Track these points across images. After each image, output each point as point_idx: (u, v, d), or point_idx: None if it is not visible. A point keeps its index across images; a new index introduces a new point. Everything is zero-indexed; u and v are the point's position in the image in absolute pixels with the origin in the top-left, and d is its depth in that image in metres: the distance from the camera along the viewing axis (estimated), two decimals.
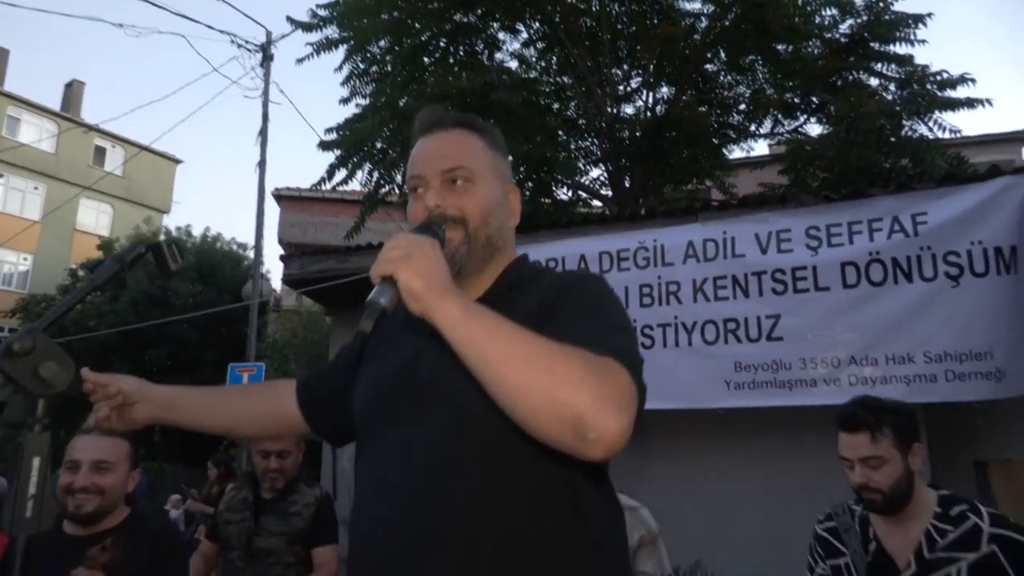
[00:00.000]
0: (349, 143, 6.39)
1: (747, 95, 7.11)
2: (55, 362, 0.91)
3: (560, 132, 7.28)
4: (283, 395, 1.24)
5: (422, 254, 0.89)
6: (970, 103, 5.92)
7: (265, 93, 9.75)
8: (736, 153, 7.80)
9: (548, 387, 0.80)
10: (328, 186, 6.60)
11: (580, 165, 7.64)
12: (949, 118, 5.92)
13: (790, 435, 3.65)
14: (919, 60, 6.28)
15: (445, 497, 0.92)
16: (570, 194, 7.46)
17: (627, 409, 0.82)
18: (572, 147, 7.63)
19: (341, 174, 6.54)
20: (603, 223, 4.46)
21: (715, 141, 7.29)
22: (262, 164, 9.47)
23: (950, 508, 1.92)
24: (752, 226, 3.80)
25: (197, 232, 17.23)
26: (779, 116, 6.95)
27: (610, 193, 7.43)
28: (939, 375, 3.35)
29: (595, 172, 7.85)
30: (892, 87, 6.32)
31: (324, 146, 6.39)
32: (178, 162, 28.31)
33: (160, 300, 13.99)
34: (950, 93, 6.00)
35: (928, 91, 6.02)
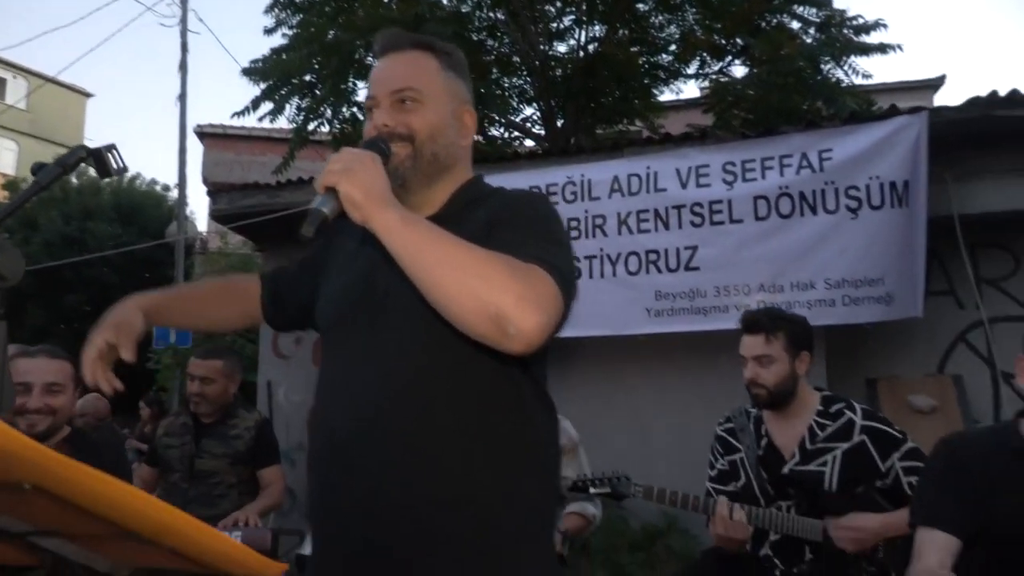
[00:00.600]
0: (275, 73, 6.21)
1: (677, 36, 7.23)
2: (5, 256, 0.97)
3: (493, 69, 7.25)
4: (252, 302, 1.31)
5: (362, 166, 0.97)
6: (882, 48, 6.21)
7: (183, 21, 9.29)
8: (666, 95, 7.96)
9: (476, 289, 0.91)
10: (253, 117, 6.44)
11: (513, 103, 7.66)
12: (863, 63, 6.21)
13: (704, 357, 3.93)
14: (837, 4, 6.52)
15: (402, 398, 1.02)
16: (503, 132, 7.49)
17: (546, 309, 0.94)
18: (506, 85, 7.62)
19: (267, 107, 6.39)
20: (533, 159, 4.56)
21: (646, 82, 7.41)
22: (183, 98, 9.10)
23: (830, 406, 2.18)
24: (674, 161, 3.98)
25: None
26: (706, 57, 7.11)
27: (543, 132, 7.51)
28: (837, 300, 3.66)
29: (528, 110, 7.88)
30: (812, 31, 6.55)
31: (248, 73, 6.20)
32: (88, 95, 26.60)
33: (77, 241, 13.35)
34: (864, 38, 6.27)
35: (844, 35, 6.27)
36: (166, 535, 0.61)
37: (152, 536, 0.61)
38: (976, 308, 3.93)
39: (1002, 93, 3.68)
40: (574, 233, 4.11)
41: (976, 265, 3.96)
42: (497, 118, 7.25)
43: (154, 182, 16.64)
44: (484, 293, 0.91)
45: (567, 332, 4.24)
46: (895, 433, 2.08)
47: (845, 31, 6.34)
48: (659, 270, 3.94)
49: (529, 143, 8.10)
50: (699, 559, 2.28)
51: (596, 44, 7.16)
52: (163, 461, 2.88)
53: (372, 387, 1.04)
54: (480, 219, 1.08)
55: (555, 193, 4.18)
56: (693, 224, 3.90)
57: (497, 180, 4.42)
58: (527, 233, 1.03)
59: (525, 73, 7.51)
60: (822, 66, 6.26)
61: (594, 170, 4.14)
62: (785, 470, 2.14)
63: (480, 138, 7.14)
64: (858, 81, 6.35)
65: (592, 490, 2.21)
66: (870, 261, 3.62)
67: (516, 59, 7.43)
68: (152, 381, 10.32)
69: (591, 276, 4.06)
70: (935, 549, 1.47)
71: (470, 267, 0.92)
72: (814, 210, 3.70)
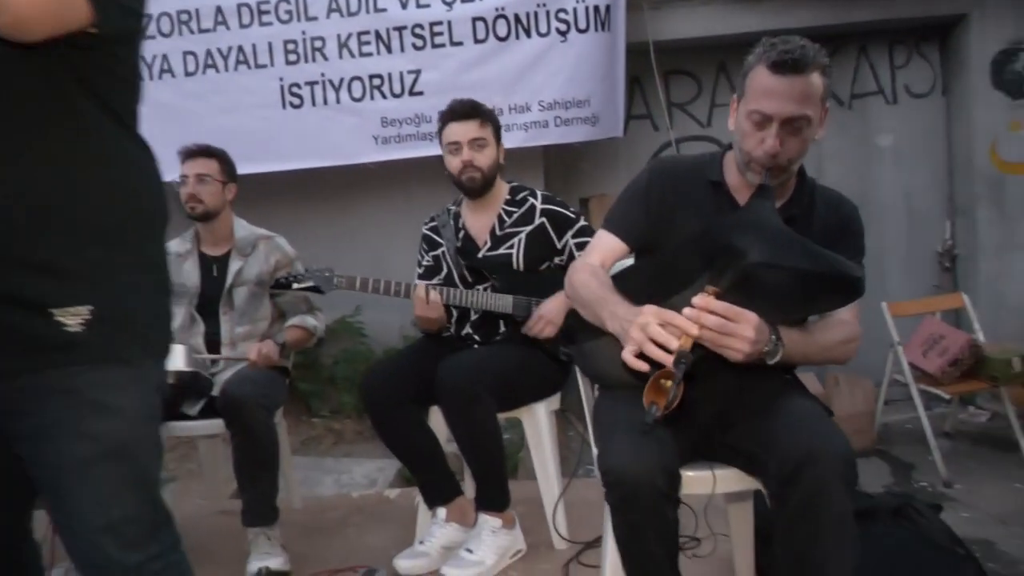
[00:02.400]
0: None
1: None
2: None
3: None
4: None
5: None
6: None
7: None
8: None
9: None
10: None
11: None
12: None
13: (431, 182, 4.00)
14: None
15: None
16: None
17: None
18: None
19: None
20: None
21: None
22: None
23: (517, 195, 2.37)
24: None
25: None
26: None
27: None
28: (550, 121, 3.90)
29: None
30: None
31: None
32: None
33: None
34: None
35: None
36: None
37: None
38: (667, 130, 4.43)
39: None
40: (292, 56, 3.86)
41: (668, 90, 4.43)
42: None
43: None
44: None
45: (293, 164, 4.01)
46: (570, 214, 2.34)
47: None
48: (384, 95, 3.88)
49: None
50: (414, 342, 2.45)
51: None
52: None
53: None
54: None
55: (268, 12, 3.84)
56: (415, 47, 3.84)
57: None
58: None
59: None
60: None
61: None
62: (479, 256, 2.33)
63: None
64: None
65: (295, 286, 2.24)
66: (578, 84, 3.87)
67: None
68: None
69: (314, 104, 3.88)
70: (602, 249, 1.65)
71: None
72: (528, 33, 3.81)
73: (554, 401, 2.38)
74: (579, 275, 1.59)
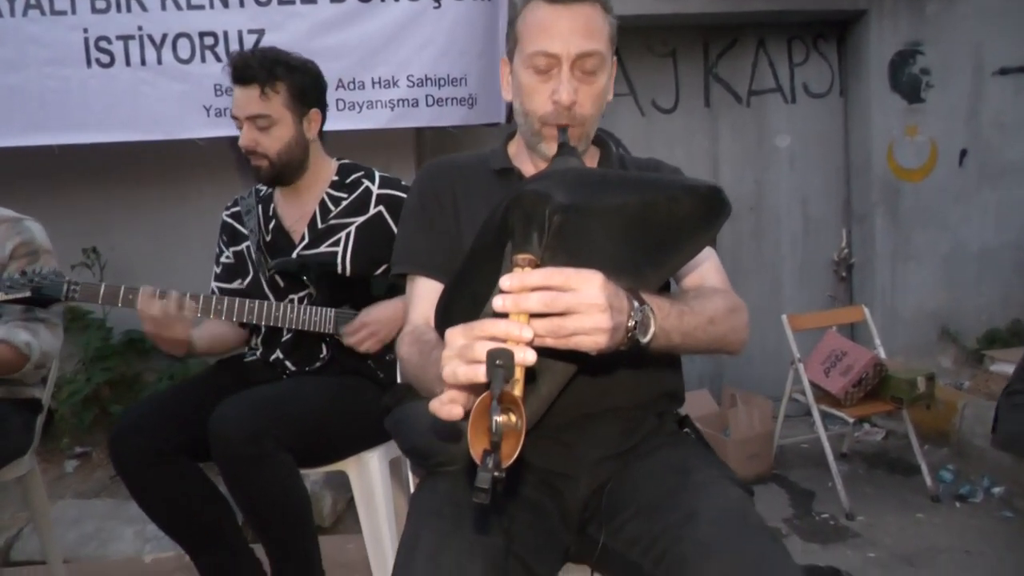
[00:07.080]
0: None
1: None
2: None
3: None
4: None
5: None
6: None
7: None
8: None
9: None
10: None
11: None
12: None
13: None
14: None
15: None
16: None
17: None
18: None
19: None
20: None
21: None
22: None
23: (348, 176, 1.81)
24: None
25: None
26: None
27: None
28: (420, 100, 3.35)
29: None
30: None
31: None
32: None
33: None
34: None
35: None
36: None
37: None
38: None
39: None
40: (101, 4, 3.12)
41: None
42: None
43: None
44: None
45: (99, 136, 3.11)
46: None
47: None
48: (218, 58, 3.19)
49: None
50: (205, 371, 1.85)
51: None
52: None
53: None
54: None
55: None
56: (258, 3, 3.19)
57: None
58: None
59: None
60: None
61: None
62: (294, 255, 1.75)
63: None
64: None
65: (3, 295, 1.56)
66: (453, 58, 3.34)
67: None
68: None
69: (128, 63, 3.15)
70: (418, 300, 1.18)
71: None
72: None
73: (394, 446, 1.84)
74: (402, 349, 1.14)
